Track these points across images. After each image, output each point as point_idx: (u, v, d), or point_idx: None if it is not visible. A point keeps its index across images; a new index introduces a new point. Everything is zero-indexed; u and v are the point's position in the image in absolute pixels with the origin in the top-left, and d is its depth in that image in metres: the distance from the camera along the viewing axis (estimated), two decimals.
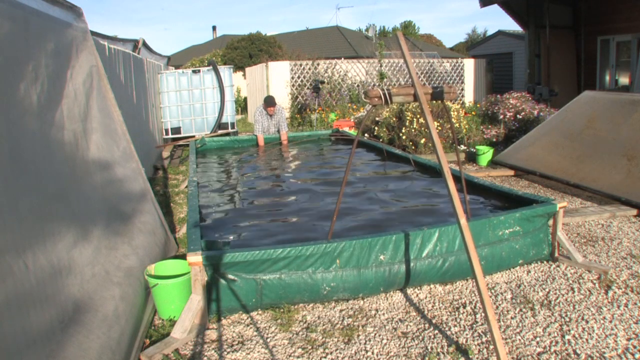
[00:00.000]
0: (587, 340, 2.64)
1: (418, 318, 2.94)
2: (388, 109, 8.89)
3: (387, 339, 2.71)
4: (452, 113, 8.36)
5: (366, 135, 9.28)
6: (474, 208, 4.12)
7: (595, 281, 3.36)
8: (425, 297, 3.20)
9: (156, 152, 8.57)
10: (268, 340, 2.74)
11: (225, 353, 2.62)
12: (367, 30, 32.44)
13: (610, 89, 11.87)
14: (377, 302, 3.14)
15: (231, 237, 3.78)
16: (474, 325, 2.83)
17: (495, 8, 13.32)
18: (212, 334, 2.82)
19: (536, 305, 3.05)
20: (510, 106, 8.71)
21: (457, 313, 2.98)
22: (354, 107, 12.25)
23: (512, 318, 2.90)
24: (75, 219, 2.50)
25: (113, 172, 3.44)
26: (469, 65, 14.83)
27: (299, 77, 13.05)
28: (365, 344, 2.67)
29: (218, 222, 4.15)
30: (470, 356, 2.52)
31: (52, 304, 2.00)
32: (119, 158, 3.61)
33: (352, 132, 9.21)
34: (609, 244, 4.08)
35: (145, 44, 9.35)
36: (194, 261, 2.81)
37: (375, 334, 2.76)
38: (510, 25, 27.24)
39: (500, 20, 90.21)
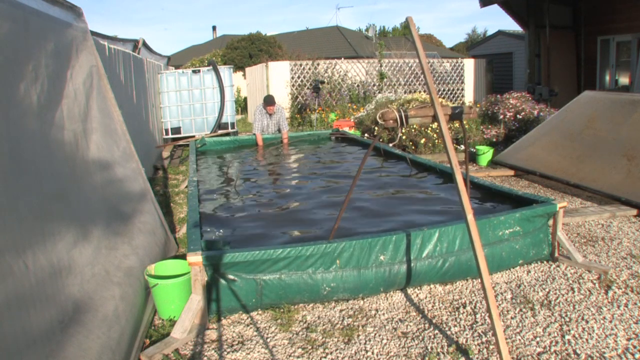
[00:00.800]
0: (587, 340, 2.64)
1: (418, 318, 2.94)
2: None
3: (387, 339, 2.71)
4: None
5: (366, 135, 9.28)
6: (474, 208, 4.11)
7: (595, 281, 3.36)
8: (425, 297, 3.20)
9: (156, 152, 8.57)
10: (268, 340, 2.74)
11: (225, 353, 2.62)
12: (367, 30, 32.48)
13: (610, 89, 11.88)
14: (377, 302, 3.14)
15: (231, 237, 3.78)
16: (474, 325, 2.83)
17: (495, 8, 13.33)
18: (212, 334, 2.82)
19: (536, 305, 3.05)
20: (510, 106, 8.71)
21: (457, 313, 2.98)
22: (354, 107, 12.25)
23: (512, 318, 2.90)
24: (75, 219, 2.50)
25: (113, 172, 3.44)
26: (469, 65, 14.84)
27: (299, 77, 13.04)
28: (365, 344, 2.67)
29: (218, 222, 4.15)
30: (470, 356, 2.53)
31: (52, 304, 2.00)
32: (119, 158, 3.61)
33: (352, 132, 9.20)
34: (609, 244, 4.08)
35: (145, 44, 9.36)
36: (194, 261, 2.81)
37: (375, 334, 2.76)
38: (510, 25, 27.25)
39: (500, 20, 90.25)
